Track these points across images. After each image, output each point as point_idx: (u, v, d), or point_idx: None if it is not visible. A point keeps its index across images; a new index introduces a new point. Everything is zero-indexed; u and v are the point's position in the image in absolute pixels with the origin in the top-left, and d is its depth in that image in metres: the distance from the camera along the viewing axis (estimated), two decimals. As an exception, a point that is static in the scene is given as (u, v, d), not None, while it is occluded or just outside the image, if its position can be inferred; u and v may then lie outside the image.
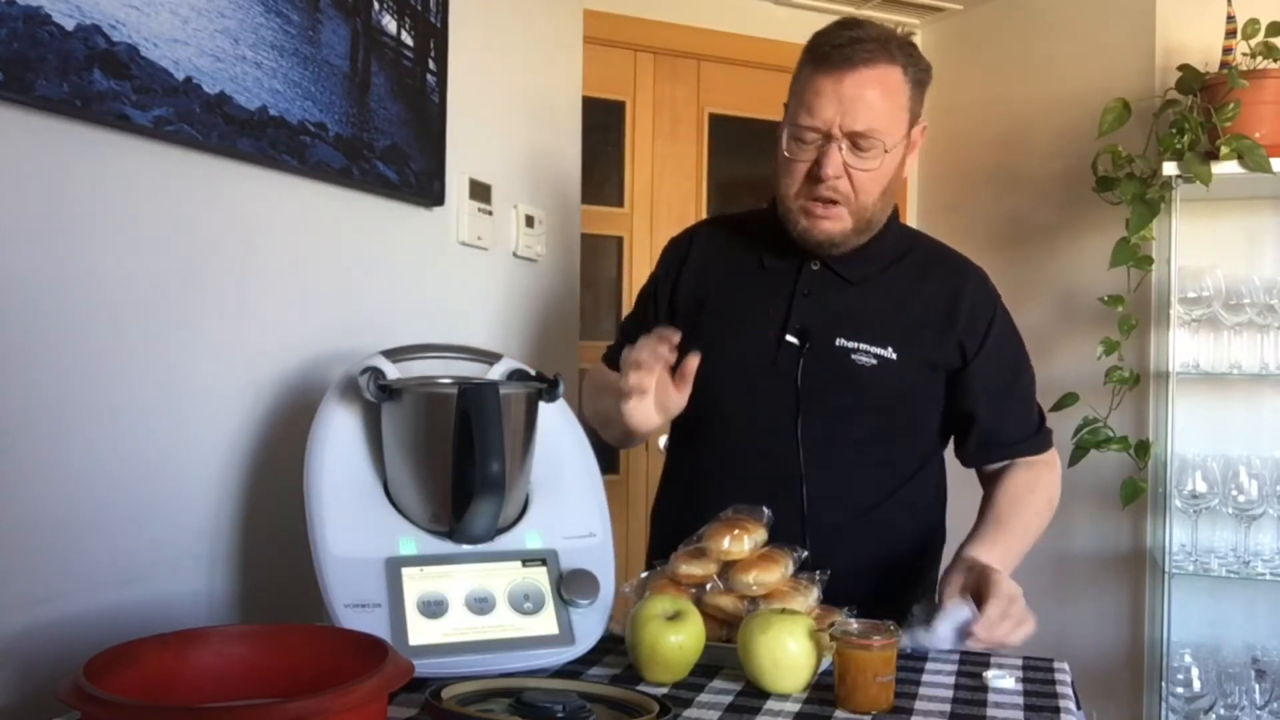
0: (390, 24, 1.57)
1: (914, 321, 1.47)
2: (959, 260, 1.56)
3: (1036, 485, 1.50)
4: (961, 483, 1.60)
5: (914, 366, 1.45)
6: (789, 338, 1.46)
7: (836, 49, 1.36)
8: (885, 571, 1.46)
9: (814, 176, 1.38)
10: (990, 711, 1.06)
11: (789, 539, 1.28)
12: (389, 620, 1.10)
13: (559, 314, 2.27)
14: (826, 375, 1.44)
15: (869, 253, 1.48)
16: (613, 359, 1.68)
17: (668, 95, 3.00)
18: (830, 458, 1.44)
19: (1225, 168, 2.32)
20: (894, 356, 1.43)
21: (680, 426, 1.59)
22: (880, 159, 1.37)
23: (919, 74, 1.42)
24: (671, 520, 1.60)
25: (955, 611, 1.22)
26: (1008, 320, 1.53)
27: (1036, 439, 1.53)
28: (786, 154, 1.41)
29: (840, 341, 1.44)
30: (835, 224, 1.41)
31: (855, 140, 1.36)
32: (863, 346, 1.44)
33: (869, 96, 1.35)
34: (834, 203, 1.40)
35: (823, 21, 1.51)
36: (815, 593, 1.23)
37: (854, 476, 1.46)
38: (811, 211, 1.41)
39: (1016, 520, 1.45)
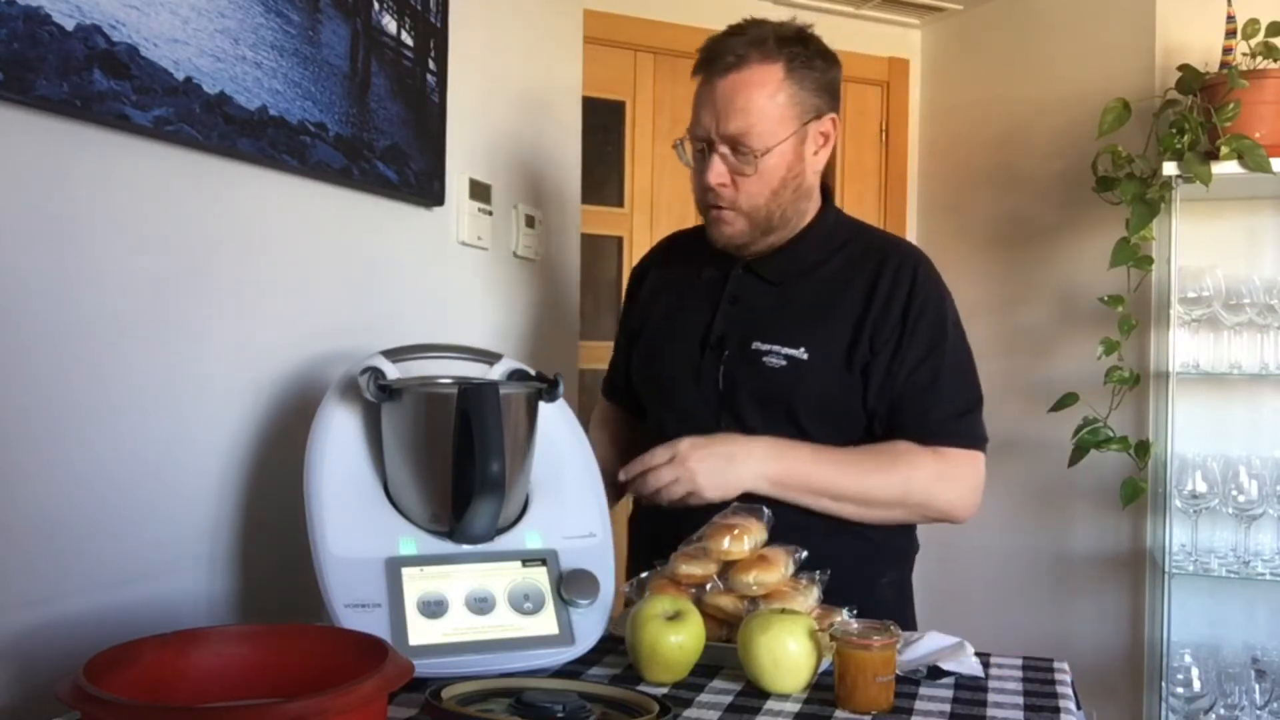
0: (390, 24, 1.57)
1: (834, 318, 1.43)
2: (891, 249, 1.48)
3: (910, 460, 1.38)
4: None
5: (828, 366, 1.41)
6: (711, 344, 1.47)
7: (709, 54, 1.40)
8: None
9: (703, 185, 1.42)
10: (990, 712, 1.06)
11: None
12: (389, 620, 1.10)
13: (559, 314, 2.28)
14: (744, 379, 1.44)
15: (793, 252, 1.48)
16: (609, 392, 1.73)
17: (668, 95, 3.00)
18: None
19: (1225, 168, 2.32)
20: (805, 356, 1.41)
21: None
22: (755, 162, 1.39)
23: (808, 67, 1.40)
24: (639, 530, 1.61)
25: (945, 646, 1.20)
26: (932, 310, 1.42)
27: (945, 425, 1.40)
28: (686, 163, 1.46)
29: (755, 344, 1.44)
30: (732, 226, 1.44)
31: (733, 144, 1.39)
32: (774, 348, 1.42)
33: (739, 100, 1.37)
34: (725, 208, 1.43)
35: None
36: (815, 593, 1.22)
37: None
38: (708, 217, 1.46)
39: (839, 453, 1.38)
